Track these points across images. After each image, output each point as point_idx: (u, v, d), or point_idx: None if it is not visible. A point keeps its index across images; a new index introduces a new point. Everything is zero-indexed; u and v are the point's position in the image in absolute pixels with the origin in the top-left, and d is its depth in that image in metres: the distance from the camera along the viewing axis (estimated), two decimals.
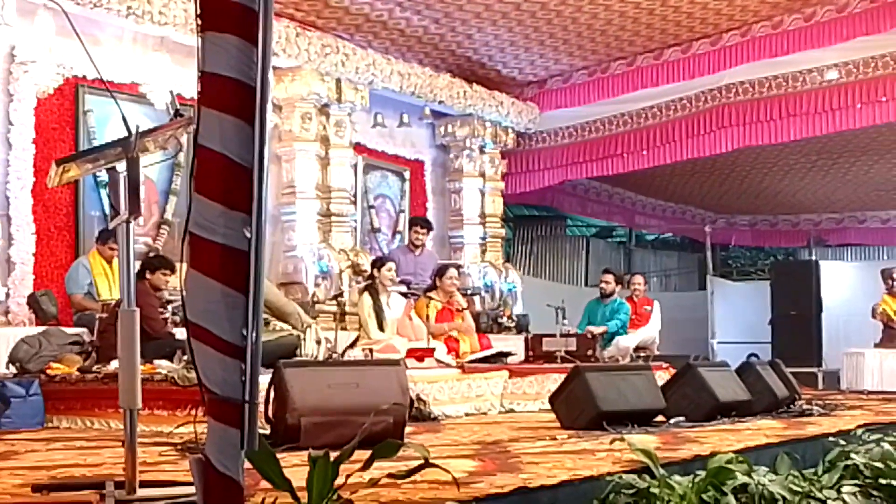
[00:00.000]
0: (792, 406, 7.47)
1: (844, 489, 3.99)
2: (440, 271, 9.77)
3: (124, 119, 3.14)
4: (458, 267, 11.89)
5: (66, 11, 4.26)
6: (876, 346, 12.38)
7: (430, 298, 9.31)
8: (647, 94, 12.65)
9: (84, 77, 8.87)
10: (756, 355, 12.96)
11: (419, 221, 11.41)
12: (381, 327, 8.84)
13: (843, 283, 15.75)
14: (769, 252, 20.06)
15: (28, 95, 8.61)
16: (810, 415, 7.09)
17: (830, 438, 5.23)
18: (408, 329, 8.99)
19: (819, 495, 3.84)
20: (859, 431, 5.60)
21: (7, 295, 8.27)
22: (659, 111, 12.74)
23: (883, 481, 4.21)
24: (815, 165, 14.87)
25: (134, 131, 3.09)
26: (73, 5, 8.08)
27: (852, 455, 4.45)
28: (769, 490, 3.69)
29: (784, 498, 3.70)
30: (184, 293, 2.39)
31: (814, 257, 17.23)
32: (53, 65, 8.61)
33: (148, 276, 7.59)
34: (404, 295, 9.58)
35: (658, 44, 12.18)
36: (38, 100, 8.70)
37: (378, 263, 9.28)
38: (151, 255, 8.61)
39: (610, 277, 11.31)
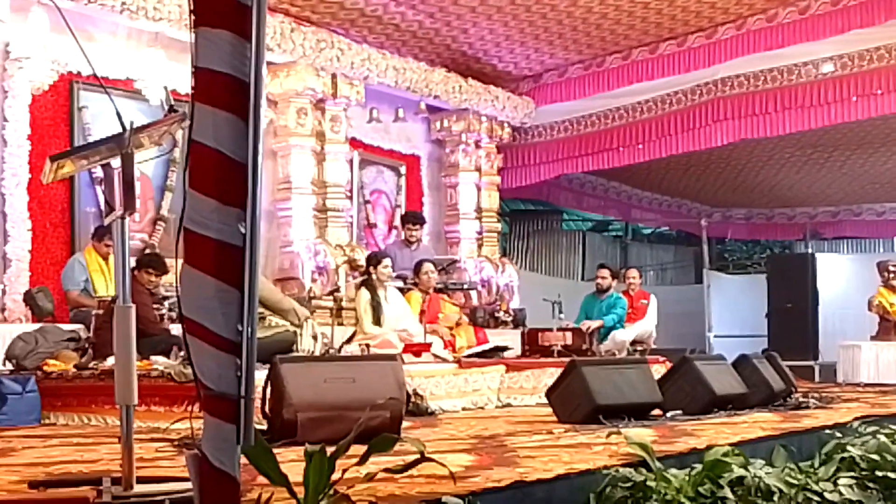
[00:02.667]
0: (788, 399, 7.49)
1: (841, 481, 3.99)
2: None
3: (119, 115, 3.13)
4: (454, 262, 11.96)
5: (60, 8, 4.25)
6: (872, 338, 12.40)
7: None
8: (643, 88, 12.63)
9: (79, 73, 8.85)
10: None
11: (411, 217, 11.40)
12: (378, 322, 8.83)
13: (840, 276, 15.77)
14: (765, 245, 20.09)
15: (23, 92, 8.59)
16: (806, 407, 7.10)
17: (827, 431, 5.25)
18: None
19: (815, 488, 3.85)
20: (855, 424, 5.60)
21: (3, 292, 8.25)
22: (654, 105, 12.73)
23: (879, 473, 4.22)
24: (811, 159, 14.88)
25: (128, 127, 3.09)
26: (68, 1, 8.07)
27: (848, 447, 4.46)
28: (765, 483, 3.69)
29: (780, 491, 3.70)
30: (179, 289, 2.39)
31: (810, 250, 17.25)
32: (48, 61, 8.58)
33: (135, 272, 7.53)
34: (401, 290, 9.59)
35: (653, 37, 12.17)
36: (33, 96, 8.69)
37: (374, 260, 9.26)
38: (147, 252, 8.60)
39: (606, 272, 11.28)
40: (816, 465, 4.33)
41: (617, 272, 11.74)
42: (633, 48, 12.46)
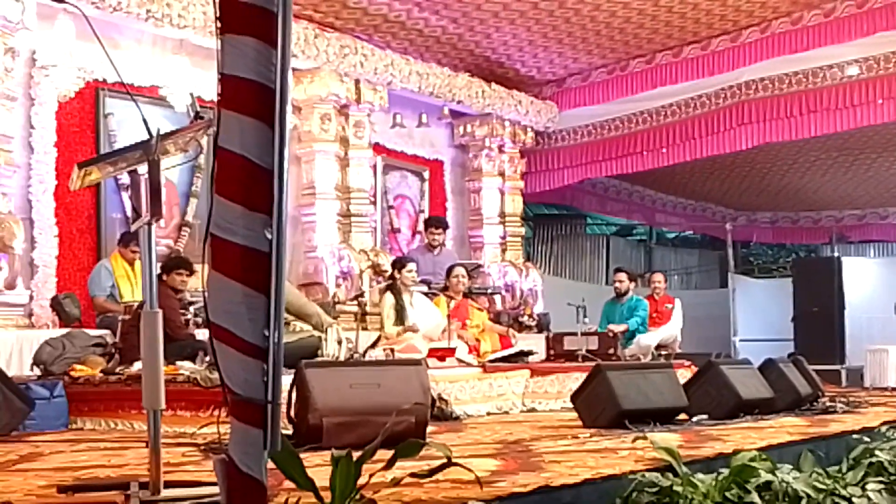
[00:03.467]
0: (815, 403, 7.43)
1: (869, 486, 3.96)
2: (448, 271, 9.82)
3: (145, 122, 3.15)
4: (478, 266, 11.96)
5: (87, 15, 4.27)
6: None
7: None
8: (667, 92, 12.61)
9: (104, 80, 8.92)
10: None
11: (434, 222, 11.41)
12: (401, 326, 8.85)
13: (866, 280, 15.66)
14: (791, 249, 19.97)
15: (49, 99, 8.67)
16: (834, 412, 7.05)
17: (854, 436, 5.20)
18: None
19: (843, 493, 3.82)
20: (883, 428, 5.56)
21: (30, 298, 8.31)
22: (678, 108, 12.70)
23: None
24: (837, 162, 14.79)
25: (155, 134, 3.11)
26: (93, 9, 8.12)
27: (877, 452, 4.42)
28: (793, 488, 3.67)
29: (808, 496, 3.68)
30: (206, 294, 2.40)
31: (836, 254, 17.12)
32: (74, 68, 8.65)
33: (164, 277, 7.56)
34: (427, 295, 9.60)
35: (677, 41, 12.14)
36: (59, 103, 8.76)
37: (398, 264, 9.29)
38: (172, 255, 8.64)
39: (623, 276, 11.25)
40: (844, 469, 4.30)
41: (634, 275, 11.71)
42: (657, 52, 12.44)
